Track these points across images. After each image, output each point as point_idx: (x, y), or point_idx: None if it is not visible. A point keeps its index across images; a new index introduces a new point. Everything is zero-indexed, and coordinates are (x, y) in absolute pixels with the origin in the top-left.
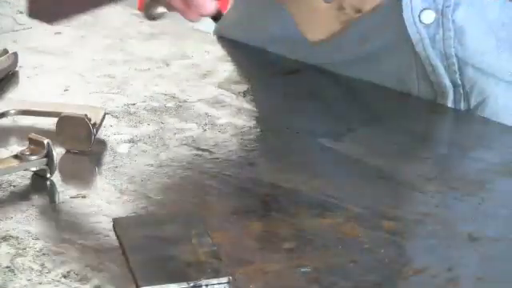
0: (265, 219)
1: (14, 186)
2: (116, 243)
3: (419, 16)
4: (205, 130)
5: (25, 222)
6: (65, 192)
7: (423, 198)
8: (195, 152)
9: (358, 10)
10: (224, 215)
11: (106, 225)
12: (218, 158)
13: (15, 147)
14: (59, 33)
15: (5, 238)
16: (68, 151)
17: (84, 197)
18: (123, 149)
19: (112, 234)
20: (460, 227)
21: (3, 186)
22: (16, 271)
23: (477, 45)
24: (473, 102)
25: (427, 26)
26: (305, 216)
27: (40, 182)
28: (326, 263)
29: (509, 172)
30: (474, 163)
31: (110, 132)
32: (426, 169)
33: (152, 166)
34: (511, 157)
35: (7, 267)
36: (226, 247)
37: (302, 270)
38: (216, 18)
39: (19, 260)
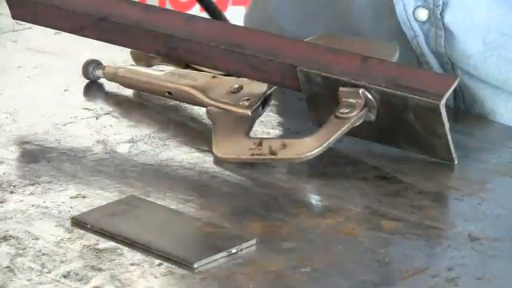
0: (265, 219)
1: (14, 186)
2: (116, 243)
3: (413, 13)
4: (205, 130)
5: (25, 221)
6: (65, 192)
7: (423, 197)
8: (195, 152)
9: (273, 153)
10: (224, 215)
11: None
12: (218, 158)
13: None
14: (59, 33)
15: (5, 238)
16: (69, 151)
17: (84, 197)
18: (123, 149)
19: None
20: (460, 227)
21: (3, 186)
22: (16, 271)
23: (464, 47)
24: (466, 103)
25: (422, 23)
26: (305, 216)
27: (40, 182)
28: (325, 263)
29: (509, 172)
30: (474, 163)
31: (110, 132)
32: (426, 169)
33: (152, 166)
34: (511, 157)
35: (7, 267)
36: None
37: (302, 269)
38: None
39: (19, 260)
